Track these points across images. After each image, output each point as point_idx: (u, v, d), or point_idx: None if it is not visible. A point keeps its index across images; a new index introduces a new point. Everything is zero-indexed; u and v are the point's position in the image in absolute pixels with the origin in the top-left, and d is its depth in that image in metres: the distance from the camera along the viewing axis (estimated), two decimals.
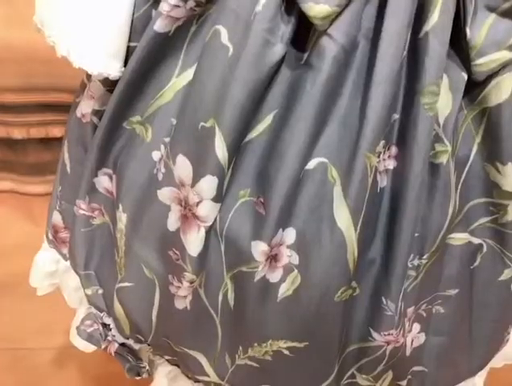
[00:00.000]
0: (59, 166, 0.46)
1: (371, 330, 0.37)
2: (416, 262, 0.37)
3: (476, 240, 0.39)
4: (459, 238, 0.38)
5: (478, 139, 0.36)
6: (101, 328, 0.49)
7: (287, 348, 0.37)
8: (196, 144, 0.34)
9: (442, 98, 0.33)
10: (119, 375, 0.50)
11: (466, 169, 0.37)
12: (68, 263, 0.51)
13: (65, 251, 0.51)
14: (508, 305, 0.42)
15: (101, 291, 0.47)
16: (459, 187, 0.37)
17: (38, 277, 0.56)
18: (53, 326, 0.87)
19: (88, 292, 0.48)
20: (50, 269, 0.55)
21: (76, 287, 0.52)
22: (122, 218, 0.40)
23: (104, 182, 0.42)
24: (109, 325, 0.49)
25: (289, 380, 0.39)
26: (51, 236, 0.51)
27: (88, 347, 0.52)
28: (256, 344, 0.38)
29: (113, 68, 0.35)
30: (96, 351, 0.93)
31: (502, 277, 0.40)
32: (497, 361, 0.57)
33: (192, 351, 0.41)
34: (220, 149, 0.33)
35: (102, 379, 0.81)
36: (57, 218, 0.48)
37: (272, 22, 0.31)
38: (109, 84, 0.38)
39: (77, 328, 0.50)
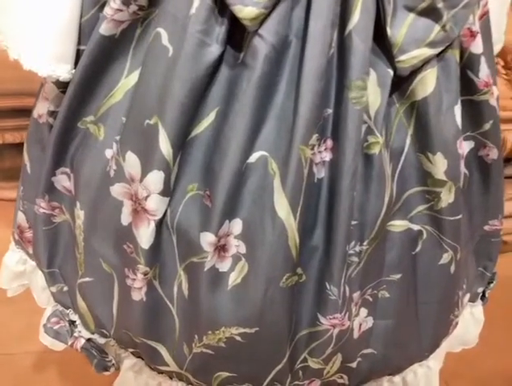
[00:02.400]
0: (22, 167, 0.47)
1: (318, 314, 0.39)
2: (358, 248, 0.39)
3: (415, 227, 0.41)
4: (398, 225, 0.40)
5: (411, 131, 0.38)
6: (67, 325, 0.50)
7: (239, 335, 0.39)
8: (143, 141, 0.36)
9: (371, 93, 0.35)
10: (100, 377, 0.51)
11: (402, 159, 0.39)
12: (35, 263, 0.52)
13: (31, 250, 0.52)
14: (450, 288, 0.44)
15: (66, 288, 0.49)
16: (395, 177, 0.39)
17: (7, 278, 0.57)
18: (33, 330, 0.87)
19: (53, 289, 0.49)
20: (18, 270, 0.56)
21: (43, 286, 0.53)
22: (80, 215, 0.42)
23: (62, 180, 0.43)
24: (75, 321, 0.50)
25: (243, 366, 0.41)
26: (17, 237, 0.53)
27: (55, 345, 0.53)
28: (210, 332, 0.39)
29: (62, 70, 0.36)
30: (75, 354, 0.93)
31: (442, 261, 0.42)
32: (453, 345, 0.60)
33: (152, 342, 0.43)
34: (165, 145, 0.35)
35: (83, 382, 0.81)
36: (21, 218, 0.50)
37: (206, 24, 0.33)
38: (63, 86, 0.40)
39: (44, 326, 0.51)
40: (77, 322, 0.49)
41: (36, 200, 0.44)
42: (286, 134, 0.35)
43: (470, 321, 0.57)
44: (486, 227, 0.51)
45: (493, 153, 0.45)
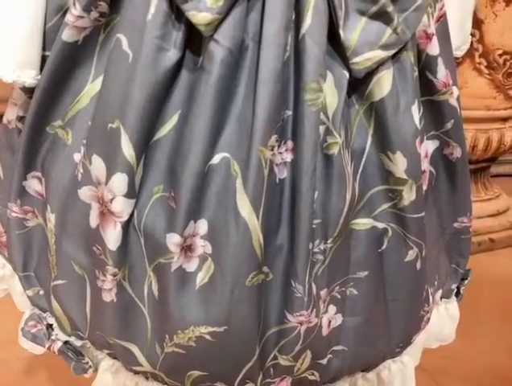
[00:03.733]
0: None
1: (285, 312, 0.40)
2: (322, 246, 0.39)
3: (380, 225, 0.42)
4: (363, 223, 0.41)
5: (371, 131, 0.39)
6: (44, 328, 0.51)
7: (208, 333, 0.40)
8: (107, 144, 0.37)
9: (328, 94, 0.36)
10: (88, 380, 0.52)
11: (363, 159, 0.40)
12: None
13: (8, 258, 0.53)
14: (417, 284, 0.45)
15: (42, 292, 0.49)
16: (358, 176, 0.40)
17: None
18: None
19: (30, 293, 0.50)
20: None
21: (22, 291, 0.54)
22: (51, 218, 0.42)
23: (34, 184, 0.44)
24: (52, 324, 0.51)
25: (214, 364, 0.42)
26: None
27: (35, 348, 0.54)
28: (180, 331, 0.40)
29: (27, 76, 0.37)
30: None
31: (408, 258, 0.43)
32: (430, 342, 0.60)
33: (125, 343, 0.43)
34: (127, 148, 0.36)
35: None
36: None
37: (163, 30, 0.34)
38: (30, 92, 0.41)
39: (22, 329, 0.51)
40: (54, 325, 0.50)
41: (8, 204, 0.44)
42: (247, 136, 0.36)
43: (445, 317, 0.58)
44: (456, 225, 0.52)
45: (456, 152, 0.46)
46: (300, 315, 0.40)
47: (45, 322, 0.51)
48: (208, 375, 0.42)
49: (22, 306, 0.56)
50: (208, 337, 0.40)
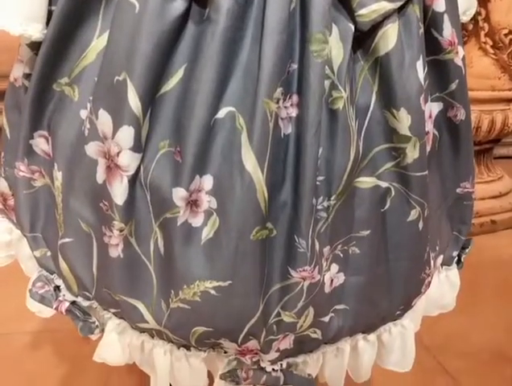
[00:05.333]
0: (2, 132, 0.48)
1: (289, 268, 0.41)
2: (326, 204, 0.40)
3: (383, 184, 0.42)
4: (366, 182, 0.42)
5: (375, 88, 0.39)
6: (51, 289, 0.52)
7: (213, 288, 0.40)
8: (113, 97, 0.37)
9: (333, 48, 0.36)
10: (91, 353, 0.53)
11: (368, 117, 0.40)
12: (20, 231, 0.53)
13: (16, 219, 0.53)
14: (419, 244, 0.46)
15: (49, 253, 0.50)
16: (362, 134, 0.40)
17: None
18: (27, 311, 0.89)
19: (37, 254, 0.51)
20: (4, 239, 0.57)
21: (30, 255, 0.54)
22: (58, 176, 0.43)
23: (41, 144, 0.44)
24: (59, 286, 0.52)
25: (219, 320, 0.42)
26: (1, 205, 0.54)
27: (42, 312, 0.55)
28: (185, 286, 0.41)
29: (33, 30, 0.37)
30: (70, 333, 0.95)
31: (410, 218, 0.44)
32: (430, 309, 0.61)
33: (131, 299, 0.44)
34: (133, 100, 0.36)
35: (76, 361, 0.83)
36: (4, 185, 0.51)
37: None
38: (37, 48, 0.41)
39: (29, 291, 0.52)
40: (61, 287, 0.51)
41: (16, 164, 0.45)
42: (252, 89, 0.36)
43: (446, 285, 0.58)
44: (458, 190, 0.52)
45: (460, 114, 0.46)
46: (303, 271, 0.40)
47: (52, 284, 0.52)
48: (213, 331, 0.43)
49: (29, 271, 0.57)
50: (212, 292, 0.40)
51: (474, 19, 1.21)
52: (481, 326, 1.00)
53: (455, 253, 0.57)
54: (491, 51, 1.22)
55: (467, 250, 0.60)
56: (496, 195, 1.34)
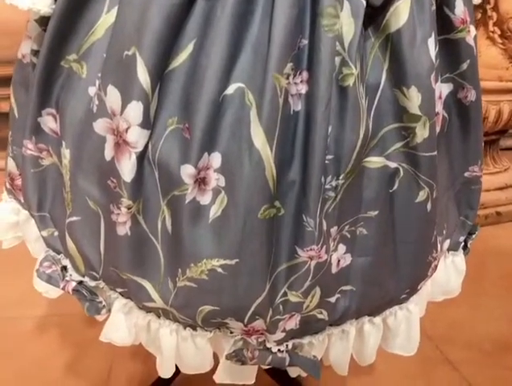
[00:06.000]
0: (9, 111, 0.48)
1: (296, 247, 0.41)
2: (334, 183, 0.40)
3: (392, 164, 0.42)
4: (375, 161, 0.41)
5: (386, 66, 0.39)
6: (59, 269, 0.52)
7: (220, 266, 0.40)
8: (122, 72, 0.37)
9: (344, 23, 0.36)
10: (98, 339, 0.53)
11: (378, 95, 0.40)
12: (27, 212, 0.54)
13: (23, 199, 0.53)
14: (427, 226, 0.46)
15: (56, 233, 0.50)
16: (372, 112, 0.40)
17: (1, 229, 0.58)
18: (34, 296, 0.90)
19: (44, 234, 0.51)
20: (11, 220, 0.57)
21: (37, 236, 0.55)
22: (66, 154, 0.43)
23: (49, 122, 0.44)
24: (66, 266, 0.52)
25: (225, 298, 0.43)
26: (8, 185, 0.54)
27: (49, 292, 0.55)
28: (192, 265, 0.41)
29: (42, 4, 0.37)
30: (75, 317, 0.96)
31: (418, 199, 0.43)
32: (435, 294, 0.61)
33: (138, 278, 0.45)
34: (143, 75, 0.36)
35: (82, 345, 0.84)
36: (11, 164, 0.51)
37: None
38: (45, 24, 0.41)
39: (37, 271, 0.53)
40: (68, 267, 0.51)
41: (23, 142, 0.45)
42: (262, 64, 0.36)
43: (451, 270, 0.58)
44: (466, 174, 0.52)
45: (471, 95, 0.45)
46: (311, 250, 0.40)
47: (59, 264, 0.52)
48: (219, 309, 0.43)
49: (35, 253, 0.58)
50: (219, 270, 0.40)
51: (482, 8, 1.20)
52: (485, 316, 1.00)
53: (461, 239, 0.57)
54: (499, 40, 1.20)
55: (473, 236, 0.59)
56: (502, 186, 1.33)
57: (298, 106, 0.38)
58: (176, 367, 0.51)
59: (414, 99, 0.39)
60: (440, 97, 0.43)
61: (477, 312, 1.00)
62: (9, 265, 1.01)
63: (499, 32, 1.19)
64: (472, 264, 0.61)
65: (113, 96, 0.38)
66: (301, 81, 0.37)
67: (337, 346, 0.50)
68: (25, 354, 0.81)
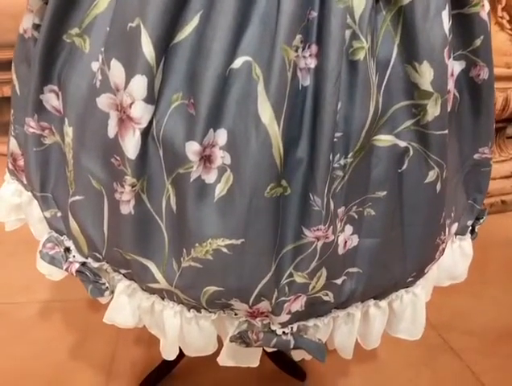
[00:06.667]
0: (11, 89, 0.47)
1: (302, 227, 0.40)
2: (342, 162, 0.39)
3: (402, 143, 0.41)
4: (384, 140, 0.40)
5: (397, 40, 0.38)
6: (62, 251, 0.51)
7: (226, 246, 0.40)
8: (126, 45, 0.36)
9: None
10: (101, 325, 0.53)
11: (388, 71, 0.39)
12: (30, 193, 0.53)
13: (26, 180, 0.53)
14: (436, 207, 0.45)
15: (59, 214, 0.50)
16: (382, 89, 0.39)
17: (4, 210, 0.58)
18: (37, 281, 0.90)
19: (47, 214, 0.50)
20: (14, 202, 0.57)
21: (39, 218, 0.54)
22: (69, 132, 0.42)
23: (51, 99, 0.43)
24: (69, 248, 0.51)
25: (230, 279, 0.42)
26: (11, 166, 0.53)
27: (52, 274, 0.55)
28: (197, 244, 0.40)
29: None
30: (78, 303, 0.96)
31: (428, 180, 0.42)
32: (442, 279, 0.61)
33: (142, 259, 0.44)
34: (147, 47, 0.35)
35: (86, 329, 0.84)
36: (14, 144, 0.50)
37: None
38: None
39: (40, 252, 0.52)
40: (71, 248, 0.51)
41: (25, 119, 0.44)
42: (270, 36, 0.35)
43: (458, 254, 0.58)
44: (476, 156, 0.51)
45: (484, 73, 0.44)
46: (317, 230, 0.40)
47: (62, 246, 0.51)
48: (224, 290, 0.43)
49: (38, 235, 0.57)
50: (225, 250, 0.40)
51: None
52: (488, 305, 1.00)
53: (469, 223, 0.56)
54: (508, 26, 1.18)
55: (481, 220, 0.59)
56: (507, 175, 1.32)
57: (306, 81, 0.37)
58: (180, 352, 0.51)
59: (426, 74, 0.38)
60: (452, 75, 0.42)
61: (481, 300, 1.00)
62: (14, 252, 1.02)
63: (508, 18, 1.17)
64: (476, 252, 0.60)
65: (116, 71, 0.37)
66: (310, 55, 0.36)
67: (342, 330, 0.50)
68: (28, 339, 0.81)
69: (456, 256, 0.57)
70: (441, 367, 0.81)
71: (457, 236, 0.57)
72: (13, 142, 0.50)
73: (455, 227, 0.53)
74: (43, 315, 0.91)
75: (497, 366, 0.81)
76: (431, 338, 0.87)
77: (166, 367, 0.71)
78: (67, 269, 0.51)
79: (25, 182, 0.52)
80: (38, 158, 0.46)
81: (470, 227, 0.57)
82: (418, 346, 0.80)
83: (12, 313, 0.88)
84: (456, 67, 0.43)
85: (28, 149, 0.46)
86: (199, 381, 0.73)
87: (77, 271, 0.50)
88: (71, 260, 0.51)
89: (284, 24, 0.33)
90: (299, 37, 0.35)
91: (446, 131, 0.41)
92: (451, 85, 0.42)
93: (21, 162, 0.51)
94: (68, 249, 0.51)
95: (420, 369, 0.79)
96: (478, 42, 0.42)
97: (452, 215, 0.51)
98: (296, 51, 0.35)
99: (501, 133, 1.33)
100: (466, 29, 0.41)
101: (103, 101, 0.39)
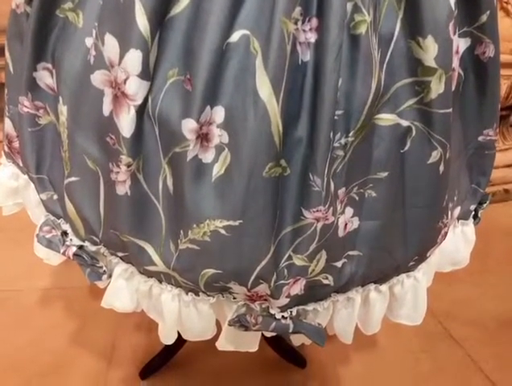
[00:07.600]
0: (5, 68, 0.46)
1: (302, 209, 0.39)
2: (343, 141, 0.38)
3: (404, 122, 0.40)
4: (386, 119, 0.39)
5: (401, 14, 0.36)
6: (59, 234, 0.51)
7: (223, 227, 0.39)
8: (120, 19, 0.35)
9: None
10: (101, 312, 0.53)
11: (391, 47, 0.37)
12: (26, 176, 0.52)
13: (21, 163, 0.52)
14: (439, 189, 0.44)
15: (55, 196, 0.49)
16: (384, 66, 0.38)
17: (1, 194, 0.57)
18: (39, 269, 0.90)
19: (43, 197, 0.50)
20: (11, 186, 0.56)
21: (37, 202, 0.54)
22: (63, 110, 0.41)
23: (45, 77, 0.42)
24: (66, 231, 0.51)
25: (228, 261, 0.41)
26: (6, 149, 0.52)
27: (50, 258, 0.54)
28: (195, 225, 0.39)
29: None
30: (78, 290, 0.96)
31: (430, 160, 0.41)
32: (444, 264, 0.60)
33: (139, 241, 0.43)
34: (141, 21, 0.34)
35: (86, 316, 0.84)
36: (8, 125, 0.49)
37: None
38: None
39: (37, 236, 0.52)
40: (68, 231, 0.50)
41: (19, 98, 0.43)
42: (269, 8, 0.33)
43: (461, 239, 0.57)
44: (480, 138, 0.50)
45: (489, 50, 0.43)
46: (317, 211, 0.39)
47: (59, 229, 0.51)
48: (222, 273, 0.42)
49: (35, 219, 0.56)
50: (223, 231, 0.39)
51: None
52: (489, 293, 1.00)
53: (472, 207, 0.55)
54: None
55: (484, 205, 0.58)
56: (510, 163, 1.31)
57: (306, 56, 0.35)
58: (180, 339, 0.50)
59: (430, 49, 0.36)
60: (457, 52, 0.41)
61: (482, 289, 1.00)
62: (13, 239, 1.01)
63: None
64: (477, 241, 0.59)
65: (110, 46, 0.36)
66: (310, 29, 0.35)
67: (342, 314, 0.49)
68: (28, 326, 0.81)
69: (458, 242, 0.56)
70: (441, 354, 0.80)
71: (460, 221, 0.56)
72: (8, 123, 0.49)
73: (457, 211, 0.52)
74: (43, 302, 0.91)
75: (498, 354, 0.81)
76: (431, 326, 0.87)
77: (167, 353, 0.71)
78: (64, 253, 0.50)
79: (21, 164, 0.52)
80: (33, 139, 0.45)
81: (473, 212, 0.56)
82: (418, 333, 0.79)
83: (12, 300, 0.88)
84: (461, 44, 0.42)
85: (23, 130, 0.45)
86: (199, 368, 0.73)
87: (74, 254, 0.50)
88: (68, 243, 0.50)
89: None
90: (298, 9, 0.33)
91: (450, 110, 0.40)
92: (455, 63, 0.41)
93: (16, 144, 0.50)
94: (65, 233, 0.51)
95: (420, 357, 0.79)
96: (484, 17, 0.41)
97: (455, 198, 0.50)
98: (296, 23, 0.34)
99: (504, 121, 1.31)
100: (472, 4, 0.40)
101: (97, 78, 0.38)
